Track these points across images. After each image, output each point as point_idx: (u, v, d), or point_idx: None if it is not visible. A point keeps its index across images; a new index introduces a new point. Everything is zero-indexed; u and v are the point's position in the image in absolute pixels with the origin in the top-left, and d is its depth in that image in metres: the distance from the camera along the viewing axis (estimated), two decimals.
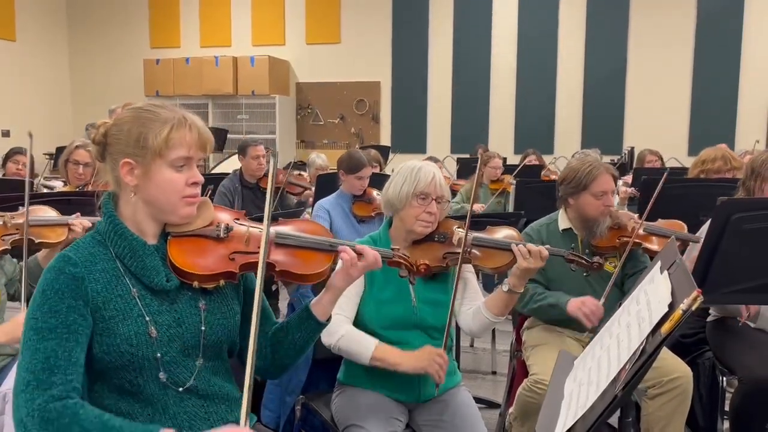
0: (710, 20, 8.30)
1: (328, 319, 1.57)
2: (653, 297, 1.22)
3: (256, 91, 9.49)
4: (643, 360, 1.03)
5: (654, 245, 2.58)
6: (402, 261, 1.70)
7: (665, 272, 1.27)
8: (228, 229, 1.47)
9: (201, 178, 1.43)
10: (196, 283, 1.41)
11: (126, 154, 1.37)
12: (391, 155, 7.51)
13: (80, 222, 2.44)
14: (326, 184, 4.16)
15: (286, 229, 1.57)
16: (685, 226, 2.66)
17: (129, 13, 10.57)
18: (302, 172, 5.43)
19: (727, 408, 2.55)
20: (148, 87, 9.92)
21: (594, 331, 1.72)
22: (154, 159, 1.36)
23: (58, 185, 4.67)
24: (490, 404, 3.42)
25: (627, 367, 1.08)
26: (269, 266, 1.48)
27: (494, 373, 3.91)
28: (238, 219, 1.53)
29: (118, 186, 1.42)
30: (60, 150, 6.35)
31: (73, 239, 2.36)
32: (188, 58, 9.75)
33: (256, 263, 1.40)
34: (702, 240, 2.07)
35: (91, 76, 10.68)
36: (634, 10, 8.57)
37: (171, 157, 1.37)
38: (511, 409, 2.54)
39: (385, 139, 9.54)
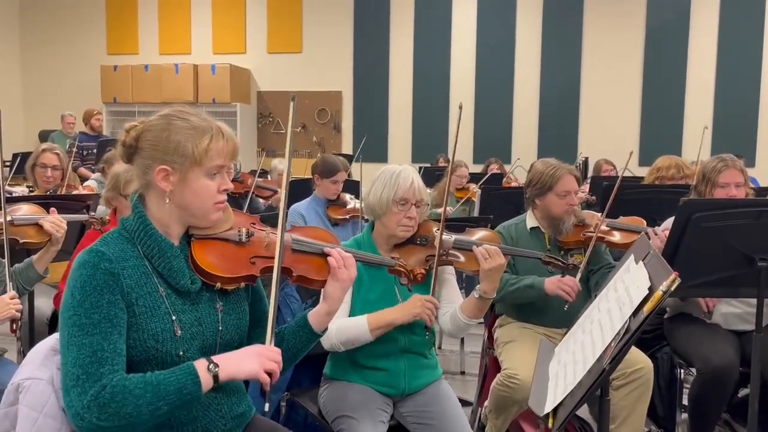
0: (658, 36, 8.71)
1: (324, 330, 1.62)
2: (631, 284, 1.35)
3: (216, 99, 9.45)
4: (628, 337, 1.15)
5: (616, 239, 2.76)
6: (402, 270, 1.82)
7: (640, 263, 1.41)
8: (249, 234, 1.54)
9: (231, 185, 1.50)
10: (218, 285, 1.47)
11: (162, 161, 1.42)
12: (355, 163, 7.58)
13: (54, 220, 2.41)
14: (296, 189, 4.23)
15: (299, 236, 1.63)
16: (645, 221, 2.86)
17: (84, 19, 10.38)
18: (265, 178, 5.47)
19: (685, 402, 2.72)
20: (105, 93, 9.75)
21: (568, 326, 1.83)
22: (192, 167, 1.42)
23: (19, 191, 4.61)
24: (462, 402, 3.52)
25: (612, 344, 1.20)
26: (287, 272, 1.55)
27: (463, 373, 4.03)
28: (254, 224, 1.59)
29: (146, 188, 1.46)
30: (18, 156, 6.24)
31: (61, 237, 2.37)
32: (147, 65, 9.64)
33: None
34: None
35: (45, 82, 10.43)
36: (588, 27, 8.92)
37: (208, 166, 1.43)
38: (486, 404, 2.66)
39: (347, 148, 9.62)
